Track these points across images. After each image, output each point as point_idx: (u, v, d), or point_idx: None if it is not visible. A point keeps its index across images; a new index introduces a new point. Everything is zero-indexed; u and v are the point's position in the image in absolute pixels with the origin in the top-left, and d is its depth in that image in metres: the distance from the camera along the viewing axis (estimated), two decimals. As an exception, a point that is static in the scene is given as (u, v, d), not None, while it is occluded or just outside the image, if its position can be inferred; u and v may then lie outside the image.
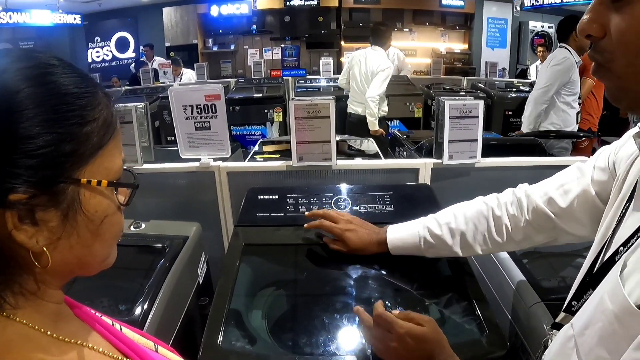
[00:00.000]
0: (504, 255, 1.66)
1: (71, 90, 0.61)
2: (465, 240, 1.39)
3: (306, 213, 1.67)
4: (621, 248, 0.77)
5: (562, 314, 0.94)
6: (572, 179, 1.21)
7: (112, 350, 0.70)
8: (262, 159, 2.98)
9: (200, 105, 2.10)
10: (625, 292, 0.68)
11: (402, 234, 1.47)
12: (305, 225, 1.61)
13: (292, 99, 2.08)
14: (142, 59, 10.13)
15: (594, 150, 1.54)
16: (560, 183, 1.25)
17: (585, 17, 0.74)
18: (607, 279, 0.76)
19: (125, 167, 0.69)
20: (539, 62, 8.13)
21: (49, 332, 0.62)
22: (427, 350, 1.07)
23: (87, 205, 0.62)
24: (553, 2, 8.77)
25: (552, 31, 11.72)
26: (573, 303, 0.89)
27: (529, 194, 1.31)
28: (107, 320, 0.76)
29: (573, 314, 0.87)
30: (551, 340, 0.97)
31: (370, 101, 4.75)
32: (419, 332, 1.07)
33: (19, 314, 0.59)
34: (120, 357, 0.70)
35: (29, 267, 0.60)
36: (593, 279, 0.83)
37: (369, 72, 4.87)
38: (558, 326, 0.93)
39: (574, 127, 4.26)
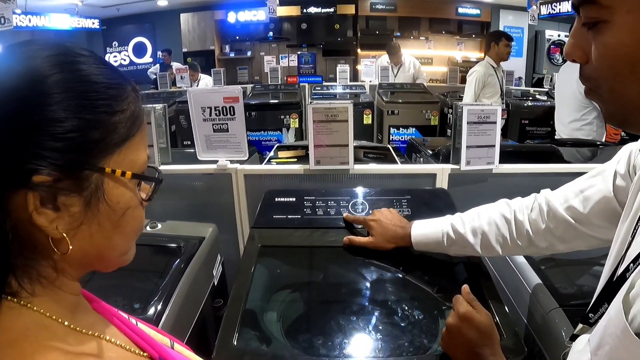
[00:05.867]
0: (521, 260, 1.65)
1: (101, 80, 0.61)
2: (487, 241, 1.39)
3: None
4: (631, 265, 0.74)
5: (579, 326, 0.92)
6: (593, 184, 1.20)
7: (129, 344, 0.70)
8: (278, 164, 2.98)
9: (218, 107, 2.10)
10: (629, 317, 0.66)
11: (426, 230, 1.48)
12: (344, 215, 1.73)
13: (310, 103, 2.08)
14: (165, 64, 10.15)
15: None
16: (580, 189, 1.23)
17: (570, 40, 0.72)
18: (616, 299, 0.73)
19: (149, 165, 0.69)
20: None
21: (66, 323, 0.61)
22: (476, 339, 1.09)
23: (110, 195, 0.62)
24: (570, 10, 8.65)
25: (568, 40, 11.62)
26: (590, 315, 0.87)
27: (549, 200, 1.30)
28: (124, 315, 0.76)
29: (590, 325, 0.86)
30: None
31: None
32: (476, 319, 1.11)
33: (35, 302, 0.59)
34: (137, 351, 0.70)
35: (48, 254, 0.60)
36: (608, 293, 0.81)
37: None
38: (576, 338, 0.91)
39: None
